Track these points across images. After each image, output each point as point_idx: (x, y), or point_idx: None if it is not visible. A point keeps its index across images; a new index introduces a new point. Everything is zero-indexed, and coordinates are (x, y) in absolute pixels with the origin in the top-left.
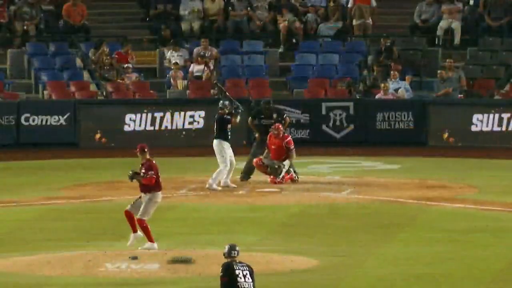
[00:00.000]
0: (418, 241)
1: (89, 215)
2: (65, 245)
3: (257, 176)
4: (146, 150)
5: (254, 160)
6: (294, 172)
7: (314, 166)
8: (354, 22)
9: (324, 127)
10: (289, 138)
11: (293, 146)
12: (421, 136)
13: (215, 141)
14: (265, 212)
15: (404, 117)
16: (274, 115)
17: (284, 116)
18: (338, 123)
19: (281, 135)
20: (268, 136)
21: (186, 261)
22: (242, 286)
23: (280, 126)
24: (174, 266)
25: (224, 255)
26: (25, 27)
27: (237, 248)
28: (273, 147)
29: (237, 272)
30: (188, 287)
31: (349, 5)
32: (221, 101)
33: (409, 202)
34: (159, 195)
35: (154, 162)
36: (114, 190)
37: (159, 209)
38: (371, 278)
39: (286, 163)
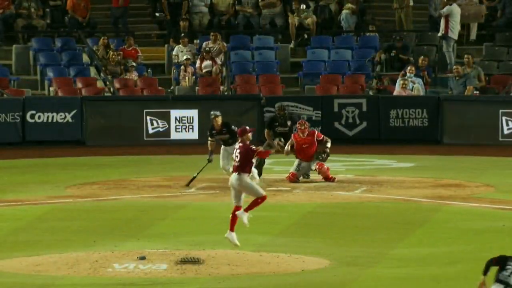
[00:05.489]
0: (432, 241)
1: (96, 214)
2: (71, 245)
3: (268, 174)
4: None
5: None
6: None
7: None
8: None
9: (336, 124)
10: (316, 131)
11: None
12: (436, 133)
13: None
14: (276, 212)
15: (418, 114)
16: (289, 123)
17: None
18: (350, 120)
19: (307, 131)
20: (293, 138)
21: (195, 261)
22: None
23: (304, 121)
24: (183, 266)
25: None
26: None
27: None
28: (304, 146)
29: None
30: None
31: None
32: (212, 111)
33: (424, 201)
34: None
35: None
36: (122, 189)
37: (167, 208)
38: (384, 279)
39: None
